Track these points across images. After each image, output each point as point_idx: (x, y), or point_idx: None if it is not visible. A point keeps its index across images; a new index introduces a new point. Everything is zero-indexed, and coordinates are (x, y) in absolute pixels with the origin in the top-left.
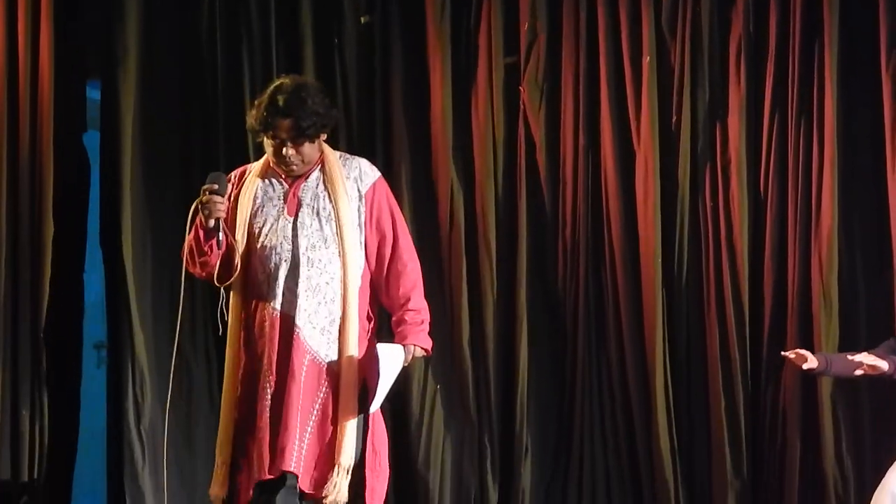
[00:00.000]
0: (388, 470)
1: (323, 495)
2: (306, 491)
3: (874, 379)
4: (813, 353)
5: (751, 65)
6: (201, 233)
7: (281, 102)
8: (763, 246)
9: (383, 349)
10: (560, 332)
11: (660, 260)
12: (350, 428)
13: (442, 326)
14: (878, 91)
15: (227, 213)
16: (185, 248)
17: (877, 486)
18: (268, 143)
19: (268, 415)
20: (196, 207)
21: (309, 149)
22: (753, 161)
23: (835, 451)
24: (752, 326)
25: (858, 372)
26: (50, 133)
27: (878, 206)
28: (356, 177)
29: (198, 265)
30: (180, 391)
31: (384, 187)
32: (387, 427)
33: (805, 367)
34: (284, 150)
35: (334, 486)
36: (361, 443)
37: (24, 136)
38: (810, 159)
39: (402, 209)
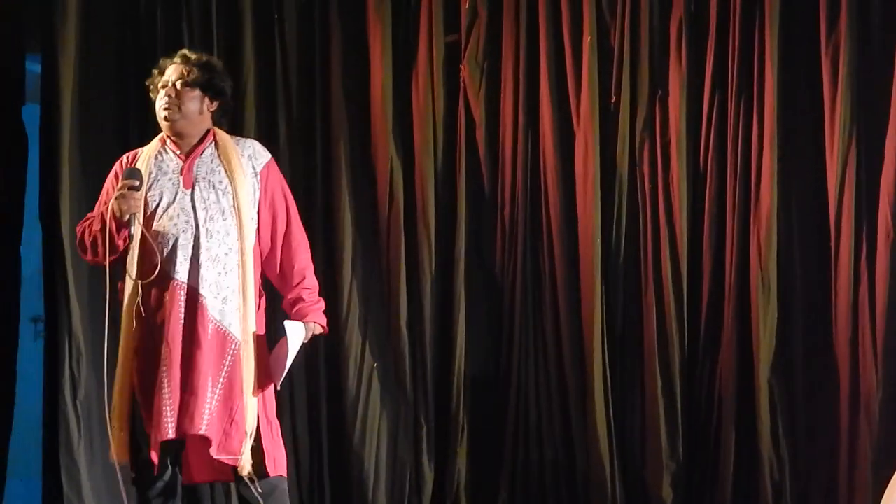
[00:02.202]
0: (281, 439)
1: (233, 464)
2: (215, 457)
3: (810, 362)
4: (750, 335)
5: (691, 45)
6: (113, 224)
7: (173, 53)
8: (702, 227)
9: (290, 326)
10: (497, 312)
11: (598, 240)
12: (251, 397)
13: (380, 304)
14: (817, 72)
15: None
16: (86, 239)
17: (813, 470)
18: (157, 100)
19: (169, 382)
20: (109, 203)
21: (190, 102)
22: (693, 141)
23: (770, 434)
24: (690, 307)
25: None
26: None
27: (817, 187)
28: (250, 154)
29: (100, 255)
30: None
31: (276, 167)
32: (323, 404)
33: None
34: (165, 90)
35: (241, 455)
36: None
37: None
38: (750, 140)
39: (340, 187)
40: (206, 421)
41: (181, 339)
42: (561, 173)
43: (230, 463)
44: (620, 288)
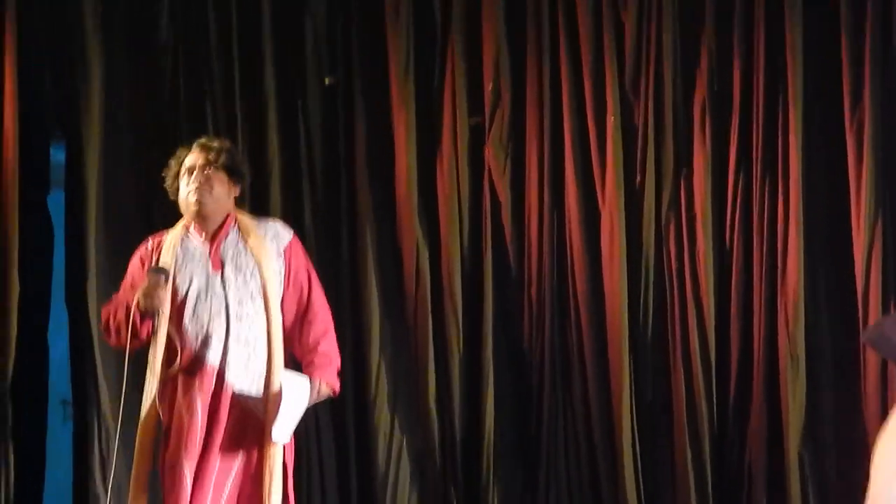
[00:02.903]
0: None
1: None
2: None
3: (840, 432)
4: (779, 407)
5: (715, 122)
6: (138, 316)
7: (193, 143)
8: (729, 303)
9: (286, 376)
10: (526, 390)
11: (626, 318)
12: (276, 477)
13: (408, 383)
14: (842, 147)
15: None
16: (111, 325)
17: None
18: (182, 185)
19: (189, 470)
20: (136, 295)
21: (219, 185)
22: (719, 218)
23: None
24: (719, 383)
25: None
26: (15, 194)
27: (844, 259)
28: (273, 235)
29: (122, 342)
30: None
31: (299, 244)
32: (353, 483)
33: None
34: (194, 174)
35: None
36: (283, 492)
37: None
38: (776, 215)
39: (366, 268)
40: None
41: (205, 425)
42: (587, 252)
43: None
44: (649, 363)
